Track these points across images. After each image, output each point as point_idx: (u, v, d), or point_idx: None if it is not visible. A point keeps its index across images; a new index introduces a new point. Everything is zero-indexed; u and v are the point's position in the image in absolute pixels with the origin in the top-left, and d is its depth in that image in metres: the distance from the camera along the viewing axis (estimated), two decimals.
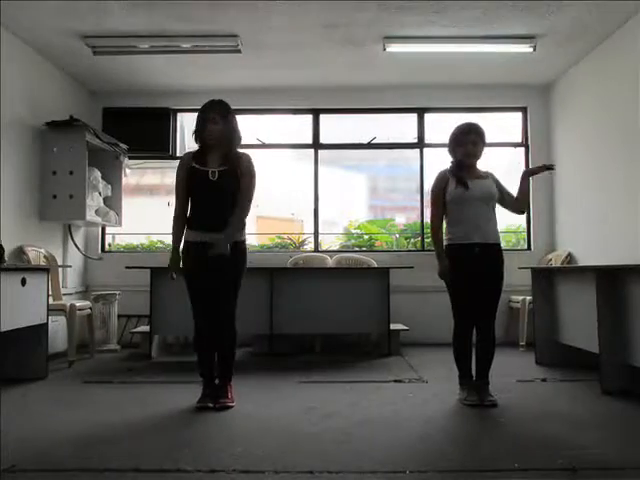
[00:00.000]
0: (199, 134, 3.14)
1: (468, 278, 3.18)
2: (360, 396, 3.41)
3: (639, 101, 4.35)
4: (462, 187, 3.18)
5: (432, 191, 3.36)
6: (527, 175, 3.39)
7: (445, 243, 3.28)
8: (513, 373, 4.07)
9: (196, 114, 3.19)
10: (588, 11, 4.29)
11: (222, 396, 3.12)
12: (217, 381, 3.21)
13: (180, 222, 3.18)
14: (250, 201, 3.17)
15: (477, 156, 3.25)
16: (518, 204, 3.35)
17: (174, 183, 3.21)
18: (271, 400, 3.33)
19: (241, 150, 3.25)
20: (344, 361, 4.70)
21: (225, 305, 3.13)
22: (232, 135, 3.15)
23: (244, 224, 3.18)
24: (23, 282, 3.68)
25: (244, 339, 4.06)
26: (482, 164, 3.36)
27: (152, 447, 2.46)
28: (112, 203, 5.75)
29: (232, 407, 3.08)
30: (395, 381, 3.84)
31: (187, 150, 4.62)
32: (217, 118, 3.07)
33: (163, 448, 2.44)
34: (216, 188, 3.08)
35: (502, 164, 5.94)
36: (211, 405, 3.06)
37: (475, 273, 3.17)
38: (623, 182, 4.59)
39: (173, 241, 3.20)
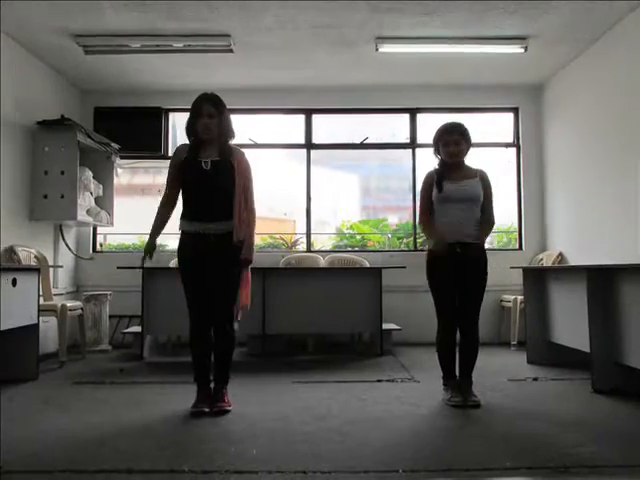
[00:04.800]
0: (193, 127, 3.07)
1: (450, 278, 3.20)
2: (353, 396, 3.41)
3: (630, 101, 4.39)
4: (439, 188, 3.21)
5: (420, 191, 3.42)
6: None
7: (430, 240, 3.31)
8: (504, 372, 4.10)
9: (188, 113, 3.16)
10: (579, 12, 4.32)
11: (219, 400, 3.05)
12: (212, 385, 3.13)
13: (163, 210, 3.16)
14: (253, 202, 3.15)
15: (460, 156, 3.25)
16: (483, 220, 3.28)
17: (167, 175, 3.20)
18: (264, 400, 3.32)
19: (234, 145, 3.21)
20: (337, 361, 4.70)
21: (223, 306, 3.07)
22: (227, 129, 3.12)
23: (253, 225, 3.16)
24: (14, 282, 3.66)
25: (239, 339, 4.01)
26: (474, 163, 3.37)
27: (144, 448, 2.44)
28: (103, 203, 5.73)
29: (229, 411, 3.01)
30: (387, 381, 3.85)
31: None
32: (213, 112, 3.03)
33: (156, 449, 2.43)
34: (209, 178, 3.03)
35: (494, 164, 5.99)
36: (207, 410, 2.98)
37: (457, 273, 3.18)
38: (614, 182, 4.62)
39: (153, 230, 3.17)
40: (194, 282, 3.06)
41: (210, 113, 3.03)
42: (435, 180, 3.26)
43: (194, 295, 3.07)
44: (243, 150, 3.22)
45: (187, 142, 3.18)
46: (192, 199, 3.09)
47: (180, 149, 3.17)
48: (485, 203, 3.26)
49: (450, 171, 3.26)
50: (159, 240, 3.26)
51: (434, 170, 3.33)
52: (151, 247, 3.15)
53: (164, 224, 3.19)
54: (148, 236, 3.19)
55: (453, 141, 3.21)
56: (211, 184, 3.04)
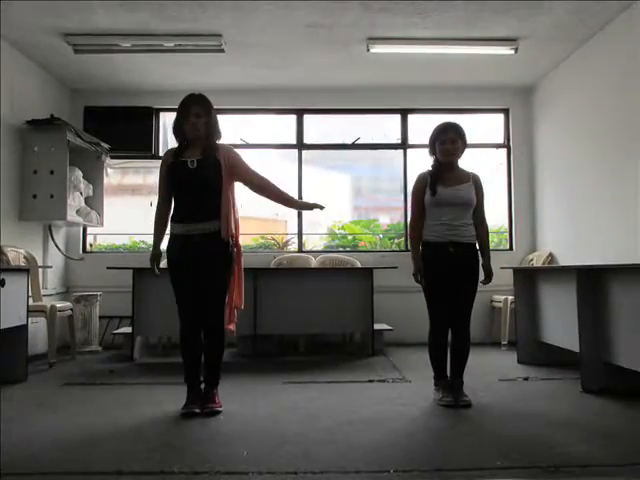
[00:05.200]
0: (180, 128, 3.07)
1: (443, 278, 3.20)
2: (344, 396, 3.41)
3: (621, 102, 4.42)
4: (432, 192, 3.22)
5: (412, 193, 3.40)
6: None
7: (422, 240, 3.30)
8: (495, 372, 4.12)
9: None
10: (569, 13, 4.35)
11: (209, 400, 3.04)
12: (203, 386, 3.12)
13: (161, 221, 3.17)
14: (256, 171, 3.24)
15: (456, 154, 3.26)
16: (476, 225, 3.33)
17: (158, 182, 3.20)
18: (255, 401, 3.31)
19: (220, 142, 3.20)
20: (328, 361, 4.70)
21: (213, 306, 3.05)
22: (214, 128, 3.11)
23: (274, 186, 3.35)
24: (2, 283, 3.62)
25: (229, 340, 4.02)
26: (466, 164, 3.38)
27: (135, 449, 2.43)
28: (93, 203, 5.70)
29: (220, 412, 3.00)
30: (379, 381, 3.85)
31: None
32: (200, 112, 3.02)
33: (146, 450, 2.41)
34: (196, 176, 3.02)
35: (485, 165, 6.01)
36: (197, 411, 2.97)
37: (450, 273, 3.19)
38: (603, 183, 4.65)
39: (154, 239, 3.20)
40: (183, 283, 3.04)
41: (197, 113, 3.02)
42: (428, 182, 3.26)
43: (183, 296, 3.05)
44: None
45: (171, 147, 3.20)
46: (180, 200, 3.09)
47: (167, 153, 3.18)
48: (477, 206, 3.28)
49: (444, 172, 3.26)
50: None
51: (427, 172, 3.33)
52: (155, 257, 3.18)
53: (162, 234, 3.21)
54: (152, 248, 3.23)
55: (450, 139, 3.22)
56: (197, 183, 3.03)
